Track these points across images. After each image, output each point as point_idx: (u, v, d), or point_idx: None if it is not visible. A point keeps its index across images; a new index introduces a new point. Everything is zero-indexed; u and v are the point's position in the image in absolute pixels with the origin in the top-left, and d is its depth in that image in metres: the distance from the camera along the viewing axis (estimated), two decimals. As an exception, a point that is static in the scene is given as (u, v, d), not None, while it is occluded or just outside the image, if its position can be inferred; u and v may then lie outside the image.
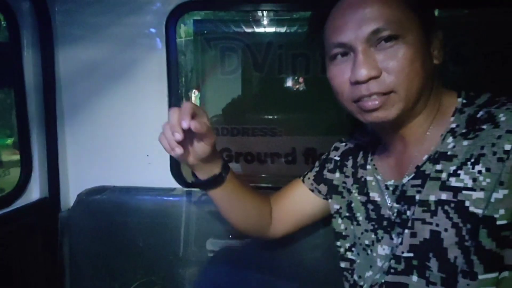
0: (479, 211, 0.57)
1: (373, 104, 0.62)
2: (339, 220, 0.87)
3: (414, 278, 0.66)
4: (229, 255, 1.22)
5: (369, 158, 0.81)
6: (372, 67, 0.60)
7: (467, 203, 0.58)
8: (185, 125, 0.67)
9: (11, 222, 1.16)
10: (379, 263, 0.74)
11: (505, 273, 0.56)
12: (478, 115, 0.61)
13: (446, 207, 0.61)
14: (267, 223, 0.94)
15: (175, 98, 1.32)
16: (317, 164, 0.95)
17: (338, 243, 0.87)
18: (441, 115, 0.67)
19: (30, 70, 1.22)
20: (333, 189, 0.89)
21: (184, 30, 1.49)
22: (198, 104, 1.61)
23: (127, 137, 1.33)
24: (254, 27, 1.55)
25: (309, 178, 0.93)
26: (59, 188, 1.31)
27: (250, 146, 1.53)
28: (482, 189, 0.57)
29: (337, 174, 0.89)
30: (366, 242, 0.78)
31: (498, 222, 0.55)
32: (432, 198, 0.63)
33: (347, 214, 0.84)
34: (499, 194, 0.55)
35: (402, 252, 0.67)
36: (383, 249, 0.74)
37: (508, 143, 0.55)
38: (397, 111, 0.62)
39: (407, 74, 0.60)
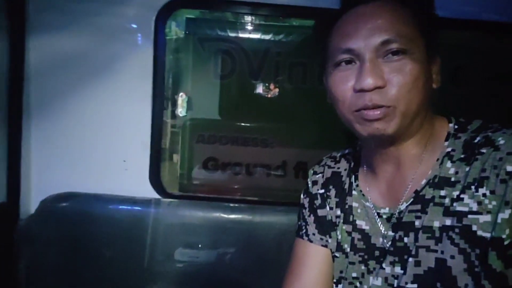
0: (487, 235, 0.55)
1: (374, 114, 0.59)
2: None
3: None
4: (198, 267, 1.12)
5: (354, 184, 0.75)
6: (379, 77, 0.58)
7: (474, 228, 0.56)
8: None
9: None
10: None
11: None
12: (476, 140, 0.60)
13: (450, 233, 0.58)
14: None
15: (160, 100, 1.15)
16: (306, 212, 0.81)
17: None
18: (434, 139, 0.65)
19: (-4, 58, 1.03)
20: (332, 226, 0.77)
21: (175, 28, 1.32)
22: (185, 109, 1.45)
23: (102, 139, 1.14)
24: (250, 32, 1.40)
25: (314, 234, 0.78)
26: (19, 192, 1.10)
27: (239, 156, 1.36)
28: (488, 212, 0.55)
29: (327, 207, 0.79)
30: (354, 275, 0.70)
31: (505, 242, 0.53)
32: (436, 224, 0.60)
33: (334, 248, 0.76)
34: (505, 214, 0.53)
35: (406, 283, 0.62)
36: (377, 280, 0.67)
37: (510, 165, 0.53)
38: (396, 125, 0.60)
39: (410, 90, 0.58)
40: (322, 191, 0.80)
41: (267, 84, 1.42)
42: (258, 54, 1.37)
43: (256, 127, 1.41)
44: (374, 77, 0.57)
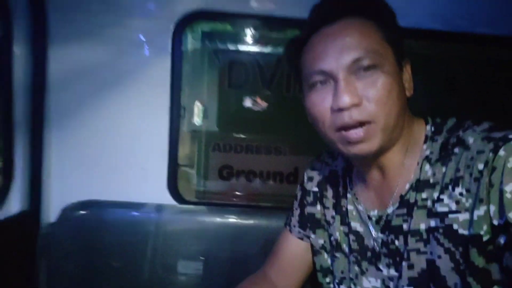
0: (467, 232, 0.54)
1: (357, 136, 0.58)
2: (325, 255, 0.77)
3: None
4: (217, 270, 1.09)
5: (349, 187, 0.74)
6: (354, 95, 0.57)
7: (455, 226, 0.55)
8: None
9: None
10: None
11: None
12: (450, 141, 0.60)
13: (436, 234, 0.58)
14: None
15: (177, 109, 1.12)
16: (295, 205, 0.83)
17: (327, 280, 0.77)
18: (413, 144, 0.64)
19: (19, 70, 1.00)
20: (316, 223, 0.78)
21: (191, 40, 1.30)
22: (201, 118, 1.42)
23: (121, 148, 1.11)
24: (263, 43, 1.38)
25: (294, 226, 0.82)
26: (40, 201, 1.06)
27: (253, 164, 1.33)
28: (466, 210, 0.54)
29: (318, 207, 0.79)
30: (350, 275, 0.71)
31: (484, 238, 0.52)
32: (423, 226, 0.60)
33: (331, 249, 0.76)
34: (480, 211, 0.52)
35: (403, 287, 0.61)
36: (369, 282, 0.67)
37: (480, 163, 0.53)
38: (379, 142, 0.59)
39: (385, 103, 0.57)
40: (316, 189, 0.79)
41: (278, 93, 1.40)
42: (270, 64, 1.34)
43: (269, 135, 1.38)
44: (350, 95, 0.56)
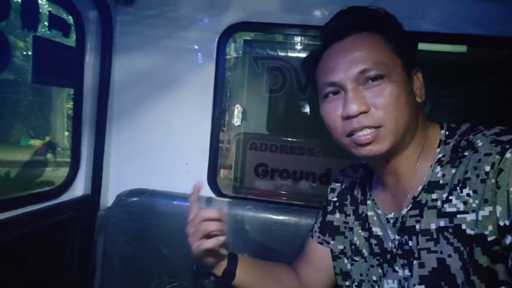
0: (473, 232, 0.55)
1: (366, 138, 0.61)
2: (345, 260, 0.80)
3: None
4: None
5: (368, 193, 0.77)
6: (362, 103, 0.60)
7: (463, 226, 0.56)
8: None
9: (55, 214, 1.06)
10: None
11: None
12: (460, 144, 0.61)
13: (445, 233, 0.59)
14: None
15: (219, 111, 1.22)
16: (319, 214, 0.88)
17: (347, 283, 0.79)
18: (428, 148, 0.66)
19: (89, 74, 1.17)
20: (335, 230, 0.82)
21: (234, 48, 1.40)
22: (241, 119, 1.52)
23: (169, 144, 1.23)
24: (299, 51, 1.43)
25: (315, 232, 0.87)
26: (100, 187, 1.21)
27: (287, 163, 1.38)
28: (473, 211, 0.55)
29: (337, 215, 0.83)
30: (374, 278, 0.72)
31: (489, 239, 0.53)
32: (433, 226, 0.61)
33: (351, 254, 0.78)
34: (485, 211, 0.53)
35: (414, 285, 0.62)
36: (387, 284, 0.68)
37: (487, 165, 0.54)
38: (388, 144, 0.61)
39: (394, 109, 0.60)
40: (336, 199, 0.84)
41: (312, 98, 1.45)
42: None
43: (303, 137, 1.43)
44: (358, 104, 0.60)
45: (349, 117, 0.62)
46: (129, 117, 1.25)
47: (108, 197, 1.24)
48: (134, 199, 1.18)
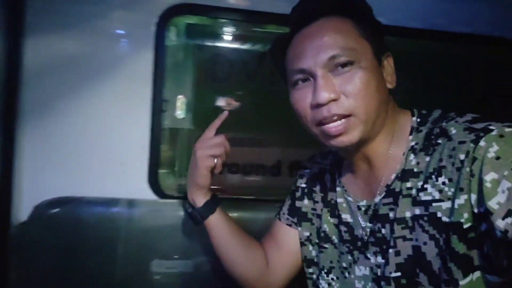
0: (448, 220, 0.55)
1: (336, 130, 0.60)
2: (310, 247, 0.80)
3: None
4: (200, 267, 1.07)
5: (337, 180, 0.76)
6: (332, 90, 0.59)
7: (439, 214, 0.56)
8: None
9: None
10: (357, 285, 0.69)
11: (477, 273, 0.54)
12: (434, 132, 0.61)
13: (421, 221, 0.59)
14: (264, 270, 0.84)
15: (158, 103, 1.07)
16: (288, 197, 0.87)
17: (310, 270, 0.79)
18: (399, 135, 0.65)
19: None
20: (302, 217, 0.82)
21: (175, 33, 1.24)
22: (184, 111, 1.37)
23: (100, 143, 1.04)
24: (247, 38, 1.35)
25: (283, 213, 0.86)
26: (11, 199, 0.97)
27: (237, 157, 1.30)
28: (449, 199, 0.55)
29: (306, 201, 0.82)
30: (344, 264, 0.72)
31: (465, 226, 0.53)
32: (408, 214, 0.61)
33: (317, 241, 0.78)
34: (461, 199, 0.53)
35: (390, 273, 0.62)
36: (359, 270, 0.69)
37: (462, 153, 0.54)
38: (359, 133, 0.61)
39: (364, 96, 0.59)
40: (305, 185, 0.83)
41: (262, 87, 1.37)
42: (253, 58, 1.31)
43: (253, 127, 1.36)
44: (327, 91, 0.59)
45: (318, 105, 0.60)
46: (47, 113, 1.02)
47: (22, 210, 1.00)
48: (57, 210, 0.98)
